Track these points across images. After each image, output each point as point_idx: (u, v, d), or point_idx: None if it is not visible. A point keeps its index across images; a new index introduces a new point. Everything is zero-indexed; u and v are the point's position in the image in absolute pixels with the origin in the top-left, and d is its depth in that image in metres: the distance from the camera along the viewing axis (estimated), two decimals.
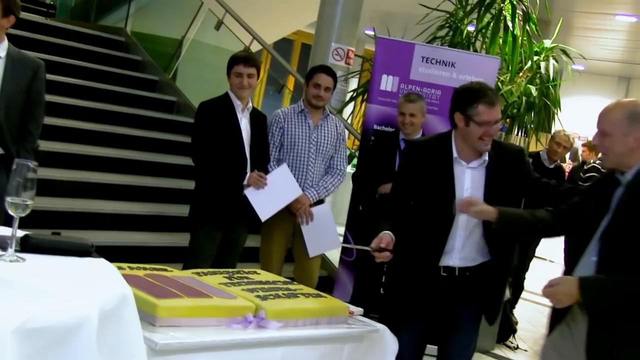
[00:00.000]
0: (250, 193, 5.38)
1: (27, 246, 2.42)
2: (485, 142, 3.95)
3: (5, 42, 4.68)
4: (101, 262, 2.15)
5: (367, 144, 6.59)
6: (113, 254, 6.46)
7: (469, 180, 4.01)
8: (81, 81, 8.68)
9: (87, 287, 1.94)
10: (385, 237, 3.83)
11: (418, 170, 4.09)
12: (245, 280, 3.52)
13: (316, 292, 3.58)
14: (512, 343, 7.57)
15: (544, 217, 3.72)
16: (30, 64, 4.77)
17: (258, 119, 5.59)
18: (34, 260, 2.21)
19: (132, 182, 7.78)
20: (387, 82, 6.54)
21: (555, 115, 8.14)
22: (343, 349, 3.35)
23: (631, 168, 3.32)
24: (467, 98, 3.96)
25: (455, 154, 4.02)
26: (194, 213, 5.50)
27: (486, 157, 4.02)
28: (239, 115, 5.41)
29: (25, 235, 2.47)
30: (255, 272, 3.77)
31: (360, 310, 3.62)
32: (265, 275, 3.73)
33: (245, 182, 5.36)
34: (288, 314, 3.18)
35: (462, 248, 4.02)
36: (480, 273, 4.06)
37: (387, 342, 3.56)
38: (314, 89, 5.73)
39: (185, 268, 5.33)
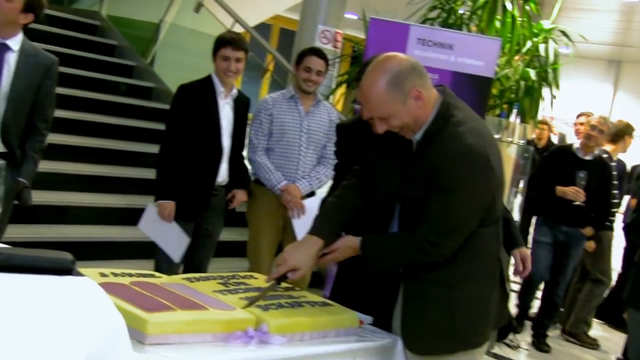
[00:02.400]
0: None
1: None
2: (374, 125, 3.62)
3: (20, 36, 4.46)
4: (85, 284, 1.78)
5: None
6: (88, 249, 6.30)
7: None
8: None
9: (71, 324, 1.57)
10: (294, 256, 3.15)
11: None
12: (243, 286, 3.18)
13: (322, 299, 3.26)
14: (512, 342, 7.28)
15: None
16: (44, 60, 4.56)
17: (241, 104, 5.28)
18: (0, 282, 1.80)
19: (107, 172, 7.47)
20: None
21: (554, 100, 7.84)
22: None
23: (422, 127, 3.01)
24: None
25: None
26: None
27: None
28: (221, 102, 5.09)
29: None
30: (252, 277, 3.43)
31: (369, 319, 3.30)
32: (263, 281, 3.39)
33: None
34: (293, 327, 2.84)
35: None
36: None
37: (398, 353, 3.24)
38: (304, 73, 5.41)
39: (156, 262, 5.17)
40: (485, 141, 2.95)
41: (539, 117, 8.17)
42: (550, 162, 7.18)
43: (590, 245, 7.42)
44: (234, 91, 5.16)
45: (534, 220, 7.72)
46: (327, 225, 3.22)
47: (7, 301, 1.62)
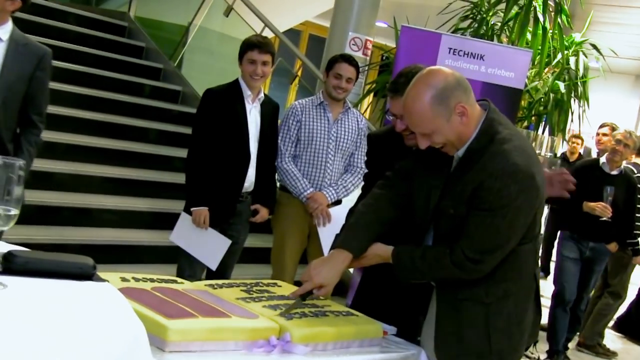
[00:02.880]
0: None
1: (10, 267, 1.92)
2: (406, 137, 3.49)
3: (9, 25, 4.29)
4: (105, 290, 1.73)
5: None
6: (112, 253, 6.29)
7: None
8: (81, 67, 8.31)
9: (91, 331, 1.51)
10: (320, 274, 3.07)
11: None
12: (266, 294, 3.13)
13: (346, 309, 3.20)
14: (532, 354, 7.20)
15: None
16: (35, 50, 4.38)
17: (270, 110, 5.21)
18: (18, 287, 1.71)
19: (133, 175, 7.45)
20: None
21: (584, 114, 7.76)
22: None
23: (465, 143, 2.94)
24: None
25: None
26: (188, 210, 5.10)
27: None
28: (248, 106, 5.02)
29: (9, 253, 1.98)
30: (276, 284, 3.38)
31: (393, 329, 3.25)
32: (287, 288, 3.34)
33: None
34: (317, 337, 2.79)
35: None
36: None
37: None
38: (334, 80, 5.35)
39: (179, 268, 5.11)
40: (530, 160, 2.89)
41: (573, 131, 8.09)
42: (576, 177, 7.07)
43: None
44: (261, 95, 5.10)
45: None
46: (357, 239, 3.13)
47: (24, 307, 1.58)
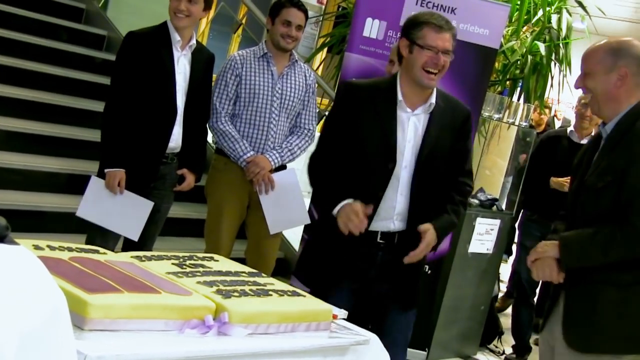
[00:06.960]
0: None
1: None
2: (428, 76, 3.95)
3: None
4: (20, 253, 1.70)
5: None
6: (17, 219, 6.23)
7: (412, 129, 4.05)
8: None
9: (3, 298, 1.50)
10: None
11: (356, 117, 4.06)
12: (201, 269, 3.15)
13: (292, 288, 3.23)
14: (497, 347, 7.31)
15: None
16: None
17: (203, 60, 5.18)
18: None
19: (45, 131, 7.39)
20: (372, 28, 6.17)
21: (565, 80, 7.83)
22: None
23: (612, 119, 3.50)
24: (412, 23, 4.05)
25: (400, 97, 4.03)
26: (102, 172, 5.01)
27: (433, 101, 4.04)
28: (176, 54, 4.99)
29: None
30: (212, 259, 3.40)
31: (344, 313, 3.29)
32: (224, 263, 3.37)
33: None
34: (257, 317, 2.81)
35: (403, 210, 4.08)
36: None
37: (376, 354, 3.23)
38: (282, 27, 5.34)
39: (88, 238, 5.03)
40: None
41: (552, 100, 8.17)
42: (542, 151, 7.02)
43: None
44: (193, 42, 5.06)
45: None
46: None
47: None
